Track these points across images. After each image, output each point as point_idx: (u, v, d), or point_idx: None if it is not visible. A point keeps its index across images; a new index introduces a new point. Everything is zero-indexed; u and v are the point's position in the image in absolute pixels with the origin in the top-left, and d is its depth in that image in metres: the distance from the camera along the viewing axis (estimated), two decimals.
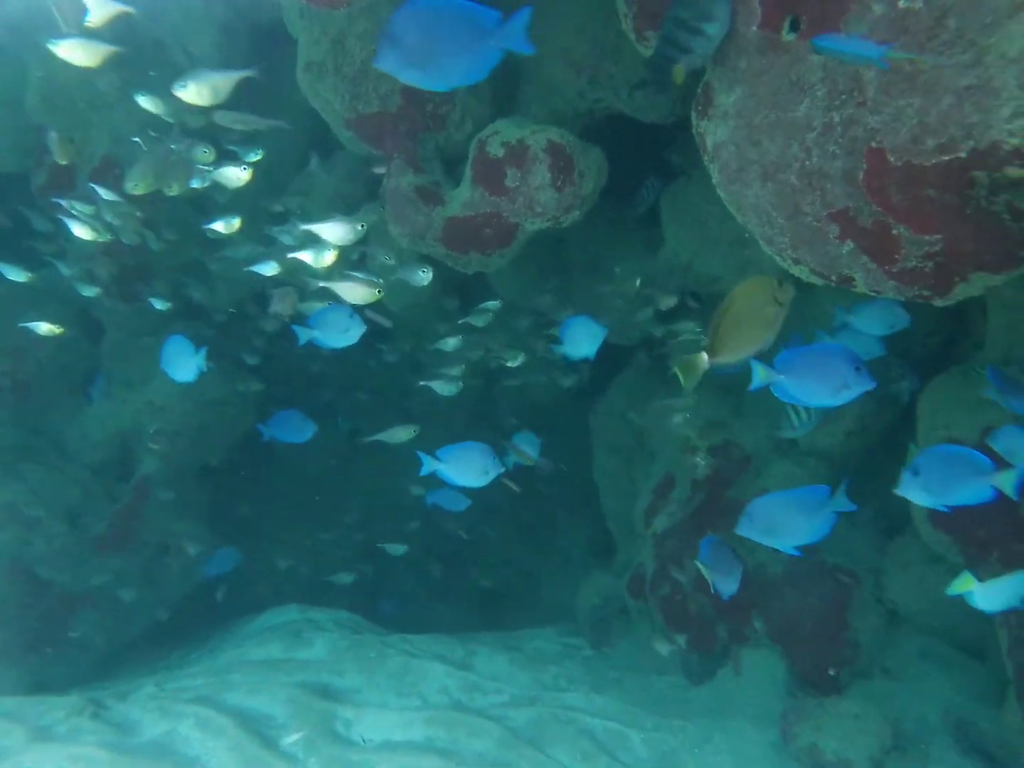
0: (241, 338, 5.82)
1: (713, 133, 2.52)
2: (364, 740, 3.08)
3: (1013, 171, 1.64)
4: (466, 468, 2.99)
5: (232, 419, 5.32)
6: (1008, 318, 3.04)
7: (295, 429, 4.80)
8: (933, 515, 3.19)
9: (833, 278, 2.38)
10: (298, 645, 4.36)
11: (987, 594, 2.36)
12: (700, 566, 3.05)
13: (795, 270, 2.51)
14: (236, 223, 3.91)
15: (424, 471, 3.04)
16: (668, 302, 4.59)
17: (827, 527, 2.72)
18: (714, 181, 2.59)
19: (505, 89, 3.73)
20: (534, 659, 4.40)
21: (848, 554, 3.95)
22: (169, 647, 5.22)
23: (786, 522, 2.73)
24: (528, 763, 3.07)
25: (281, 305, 4.43)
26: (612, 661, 4.64)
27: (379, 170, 4.61)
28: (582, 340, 3.49)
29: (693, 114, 2.68)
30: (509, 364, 5.56)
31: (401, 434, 3.73)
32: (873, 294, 2.37)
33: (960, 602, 3.67)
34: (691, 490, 4.29)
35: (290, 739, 2.97)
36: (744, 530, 2.71)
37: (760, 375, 2.50)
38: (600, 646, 4.98)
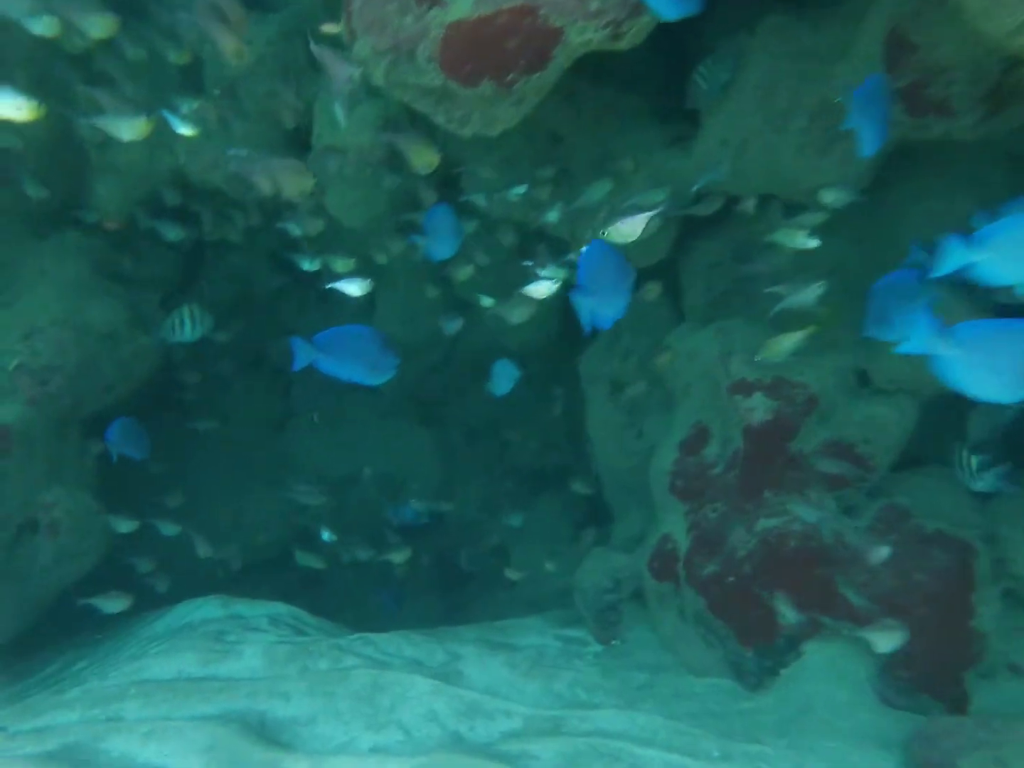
0: (142, 253, 4.53)
1: None
2: None
3: None
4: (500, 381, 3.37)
5: (129, 357, 4.04)
6: None
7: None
8: None
9: None
10: (221, 654, 3.20)
11: None
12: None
13: None
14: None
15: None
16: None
17: None
18: None
19: None
20: (537, 662, 3.40)
21: (945, 516, 3.10)
22: (41, 656, 3.97)
23: None
24: None
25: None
26: (631, 659, 3.69)
27: (330, 27, 3.43)
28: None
29: None
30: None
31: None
32: None
33: None
34: (743, 442, 3.34)
35: None
36: None
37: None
38: (609, 639, 4.03)
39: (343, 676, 2.83)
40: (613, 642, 4.02)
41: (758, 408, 3.29)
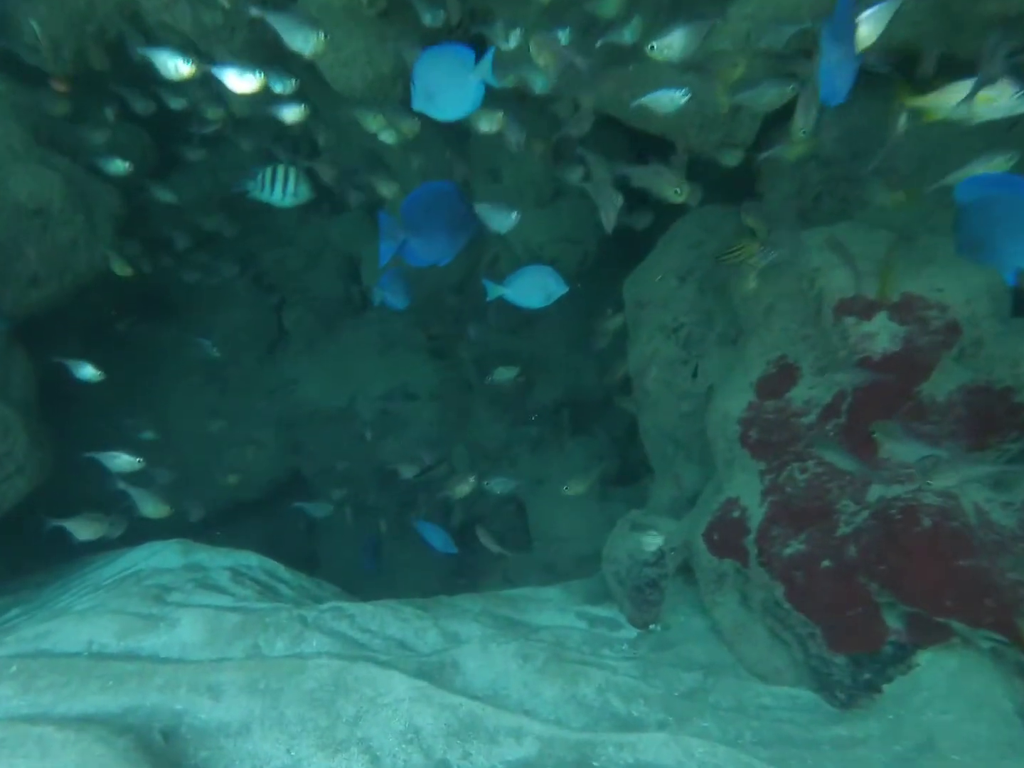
0: (100, 122, 3.70)
1: None
2: None
3: None
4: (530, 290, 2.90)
5: (65, 245, 3.23)
6: None
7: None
8: None
9: None
10: (151, 622, 2.47)
11: None
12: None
13: None
14: None
15: (490, 296, 2.93)
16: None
17: None
18: None
19: None
20: (556, 653, 2.63)
21: None
22: None
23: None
24: None
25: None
26: (675, 651, 2.91)
27: None
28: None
29: None
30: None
31: None
32: None
33: None
34: (867, 375, 2.45)
35: None
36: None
37: None
38: (646, 623, 3.26)
39: (298, 668, 2.07)
40: (651, 626, 3.25)
41: (880, 334, 2.41)
